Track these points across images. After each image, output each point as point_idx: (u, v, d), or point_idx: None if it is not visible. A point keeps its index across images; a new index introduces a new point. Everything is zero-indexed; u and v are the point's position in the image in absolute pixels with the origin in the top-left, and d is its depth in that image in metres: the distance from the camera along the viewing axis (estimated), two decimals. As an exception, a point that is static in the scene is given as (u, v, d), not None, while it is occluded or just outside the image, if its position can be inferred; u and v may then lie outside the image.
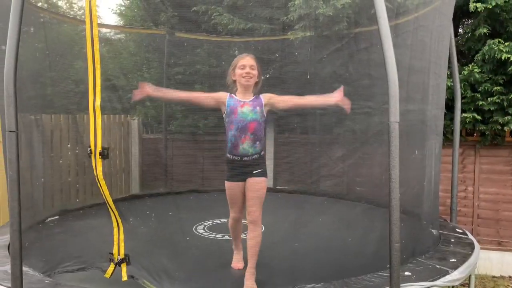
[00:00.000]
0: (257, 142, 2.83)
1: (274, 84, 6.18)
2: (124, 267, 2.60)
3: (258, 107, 2.84)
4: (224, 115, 2.90)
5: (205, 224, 4.40)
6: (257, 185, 2.84)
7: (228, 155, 2.88)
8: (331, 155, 5.55)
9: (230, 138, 2.84)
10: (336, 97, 2.88)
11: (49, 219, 4.37)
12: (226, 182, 2.93)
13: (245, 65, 2.84)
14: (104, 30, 6.13)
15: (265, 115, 2.88)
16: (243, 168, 2.84)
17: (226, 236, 3.86)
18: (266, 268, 3.16)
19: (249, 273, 2.84)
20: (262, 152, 2.90)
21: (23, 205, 2.36)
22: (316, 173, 5.85)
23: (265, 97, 2.89)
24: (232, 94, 2.90)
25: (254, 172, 2.84)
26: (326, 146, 5.77)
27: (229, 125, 2.85)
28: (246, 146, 2.81)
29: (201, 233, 4.11)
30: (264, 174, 2.89)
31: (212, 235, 4.04)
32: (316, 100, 3.08)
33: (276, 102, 2.91)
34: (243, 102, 2.85)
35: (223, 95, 2.89)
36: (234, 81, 2.91)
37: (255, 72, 2.87)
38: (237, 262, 3.17)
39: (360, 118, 5.12)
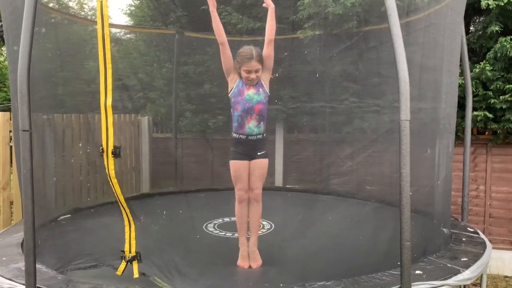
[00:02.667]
0: (261, 122, 3.04)
1: (283, 82, 6.19)
2: (135, 265, 2.63)
3: (261, 89, 3.05)
4: (229, 94, 3.08)
5: (215, 222, 4.41)
6: (261, 166, 3.07)
7: (234, 135, 3.07)
8: (341, 154, 5.54)
9: (237, 118, 3.03)
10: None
11: (61, 217, 4.41)
12: (232, 162, 3.08)
13: (251, 71, 2.98)
14: (114, 30, 6.18)
15: (268, 92, 3.08)
16: (249, 147, 3.04)
17: (236, 235, 3.87)
18: (276, 265, 3.17)
19: (253, 245, 3.09)
20: (265, 134, 3.11)
21: (36, 204, 2.40)
22: (326, 172, 5.83)
23: (264, 79, 3.07)
24: (239, 78, 3.06)
25: (259, 153, 3.07)
26: (335, 144, 5.76)
27: (235, 105, 3.05)
28: (251, 126, 3.01)
29: (211, 231, 4.13)
30: (266, 155, 3.11)
31: (222, 233, 4.06)
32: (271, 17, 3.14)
33: (264, 61, 3.04)
34: (248, 86, 3.03)
35: (236, 77, 3.06)
36: (239, 71, 3.05)
37: (260, 73, 3.02)
38: (242, 261, 3.17)
39: (369, 116, 5.10)
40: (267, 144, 3.16)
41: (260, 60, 3.02)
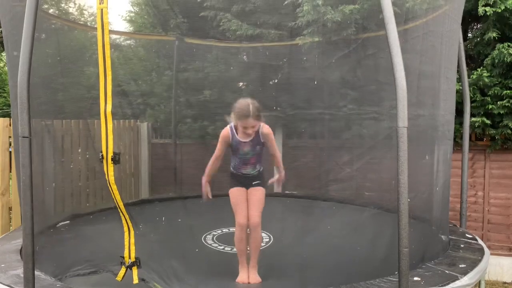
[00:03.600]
0: (257, 165, 3.25)
1: (282, 89, 6.21)
2: (135, 270, 2.63)
3: (257, 146, 3.18)
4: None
5: (214, 233, 4.38)
6: (257, 193, 3.21)
7: (232, 170, 3.28)
8: (339, 160, 5.55)
9: (235, 162, 3.24)
10: (281, 175, 3.33)
11: (60, 223, 4.41)
12: (231, 190, 3.25)
13: (247, 127, 3.06)
14: (114, 36, 6.20)
15: (262, 143, 3.19)
16: (245, 180, 3.24)
17: (235, 249, 3.90)
18: (275, 272, 3.17)
19: (252, 267, 3.14)
20: (261, 169, 3.29)
21: (35, 210, 2.40)
22: (325, 178, 5.84)
23: (263, 129, 3.14)
24: (232, 129, 3.17)
25: (254, 183, 3.23)
26: (334, 151, 5.77)
27: (233, 153, 3.23)
28: (248, 169, 3.23)
29: (210, 244, 4.11)
30: (262, 185, 3.25)
31: (221, 247, 4.02)
32: (278, 162, 3.36)
33: (267, 142, 3.20)
34: (242, 142, 3.15)
35: (227, 136, 3.18)
36: (235, 124, 3.16)
37: (256, 128, 3.11)
38: (242, 277, 3.17)
39: (368, 123, 5.12)
40: (263, 176, 3.31)
41: (258, 116, 3.07)
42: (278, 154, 3.36)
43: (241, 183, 3.23)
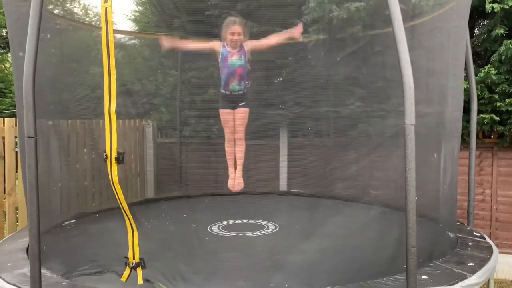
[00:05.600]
0: (242, 81, 3.82)
1: (287, 87, 6.19)
2: (139, 271, 2.62)
3: (242, 56, 3.77)
4: (218, 60, 3.81)
5: (220, 224, 4.43)
6: (242, 112, 3.88)
7: (222, 90, 3.87)
8: (346, 158, 5.52)
9: (223, 78, 3.81)
10: (298, 30, 3.80)
11: (66, 222, 4.42)
12: (221, 110, 3.93)
13: (234, 33, 3.71)
14: (118, 35, 6.20)
15: (249, 58, 3.81)
16: (232, 100, 3.85)
17: (241, 234, 4.06)
18: (281, 270, 3.15)
19: (238, 172, 3.95)
20: (245, 89, 3.87)
21: (41, 209, 2.40)
22: (330, 176, 5.81)
23: (247, 47, 3.79)
24: (224, 44, 3.77)
25: (240, 104, 3.87)
26: (340, 149, 5.74)
27: (222, 69, 3.80)
28: (234, 84, 3.80)
29: (216, 232, 4.14)
30: (246, 105, 3.90)
31: (227, 233, 4.07)
32: (282, 35, 3.96)
33: (254, 47, 3.83)
34: (232, 52, 3.75)
35: (217, 44, 3.80)
36: (225, 37, 3.76)
37: (241, 37, 3.74)
38: (232, 183, 4.02)
39: (374, 120, 5.09)
40: (247, 97, 3.92)
41: (243, 26, 3.74)
42: (273, 35, 3.93)
43: (229, 104, 3.86)
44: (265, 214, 4.64)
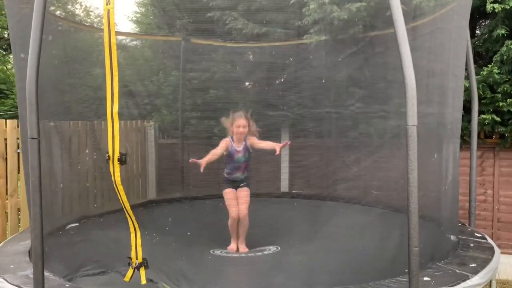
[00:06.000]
0: (245, 171, 4.16)
1: (289, 88, 6.19)
2: (142, 271, 2.62)
3: (246, 152, 4.10)
4: (225, 153, 4.08)
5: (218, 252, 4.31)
6: (244, 192, 4.14)
7: (226, 175, 4.18)
8: (347, 159, 5.52)
9: (228, 169, 4.15)
10: (280, 146, 3.99)
11: (69, 224, 4.42)
12: (225, 191, 4.14)
13: (239, 125, 3.99)
14: (120, 37, 6.21)
15: (250, 151, 4.12)
16: (236, 183, 4.16)
17: (243, 255, 4.01)
18: (283, 272, 3.15)
19: (241, 243, 4.08)
20: (248, 175, 4.21)
21: (44, 211, 2.40)
22: (332, 177, 5.81)
23: (248, 141, 4.08)
24: (231, 140, 4.09)
25: (241, 185, 4.16)
26: (342, 150, 5.73)
27: (227, 161, 4.12)
28: (238, 175, 4.14)
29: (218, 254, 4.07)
30: (248, 186, 4.18)
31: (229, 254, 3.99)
32: (269, 144, 4.10)
33: (253, 145, 4.09)
34: (237, 150, 4.07)
35: (228, 142, 4.09)
36: (231, 129, 4.07)
37: (246, 129, 4.02)
38: (233, 247, 4.08)
39: (376, 121, 5.09)
40: (249, 179, 4.21)
41: (247, 119, 4.00)
42: (265, 142, 4.12)
43: (232, 185, 4.14)
44: (266, 235, 4.44)
